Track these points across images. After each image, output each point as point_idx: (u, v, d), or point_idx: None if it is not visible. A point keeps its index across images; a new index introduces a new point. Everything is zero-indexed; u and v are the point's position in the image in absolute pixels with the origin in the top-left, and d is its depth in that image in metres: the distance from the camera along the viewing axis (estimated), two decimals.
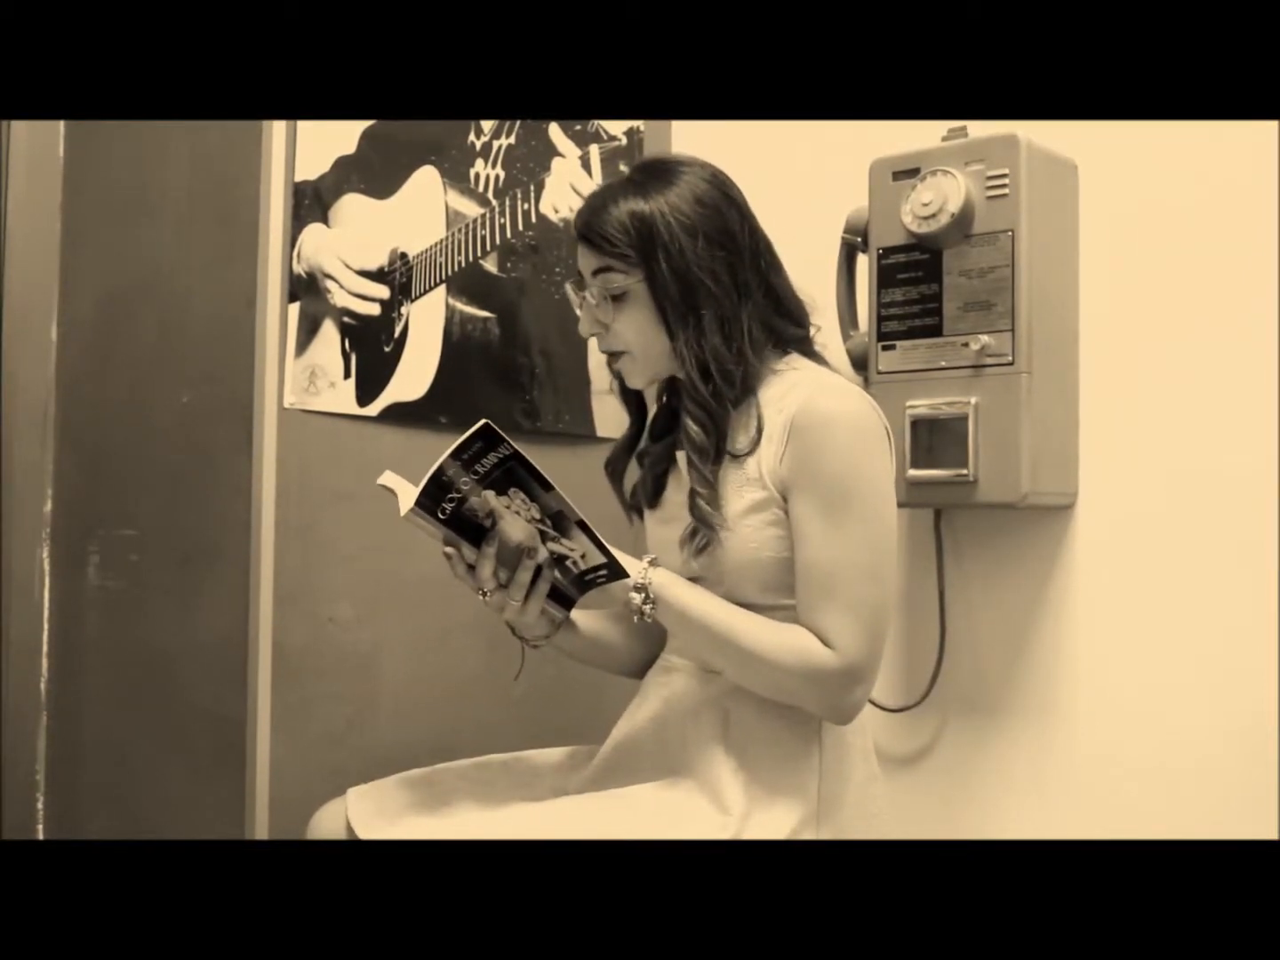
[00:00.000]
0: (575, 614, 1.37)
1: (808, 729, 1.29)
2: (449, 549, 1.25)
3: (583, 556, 1.24)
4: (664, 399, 1.46)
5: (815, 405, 1.25)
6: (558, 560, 1.26)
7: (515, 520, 1.22)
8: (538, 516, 1.22)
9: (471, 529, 1.24)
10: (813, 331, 1.39)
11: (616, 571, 1.25)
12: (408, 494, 1.21)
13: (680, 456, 1.37)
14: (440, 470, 1.18)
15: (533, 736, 1.53)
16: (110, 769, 1.62)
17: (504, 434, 1.17)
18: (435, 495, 1.19)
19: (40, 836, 1.56)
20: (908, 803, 1.64)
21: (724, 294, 1.29)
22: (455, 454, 1.17)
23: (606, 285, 1.31)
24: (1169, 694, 1.50)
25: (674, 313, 1.29)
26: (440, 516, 1.21)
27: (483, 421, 1.16)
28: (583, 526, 1.21)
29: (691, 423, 1.29)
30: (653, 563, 1.29)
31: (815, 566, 1.25)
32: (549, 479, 1.19)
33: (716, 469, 1.29)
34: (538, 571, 1.26)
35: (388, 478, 1.26)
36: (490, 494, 1.20)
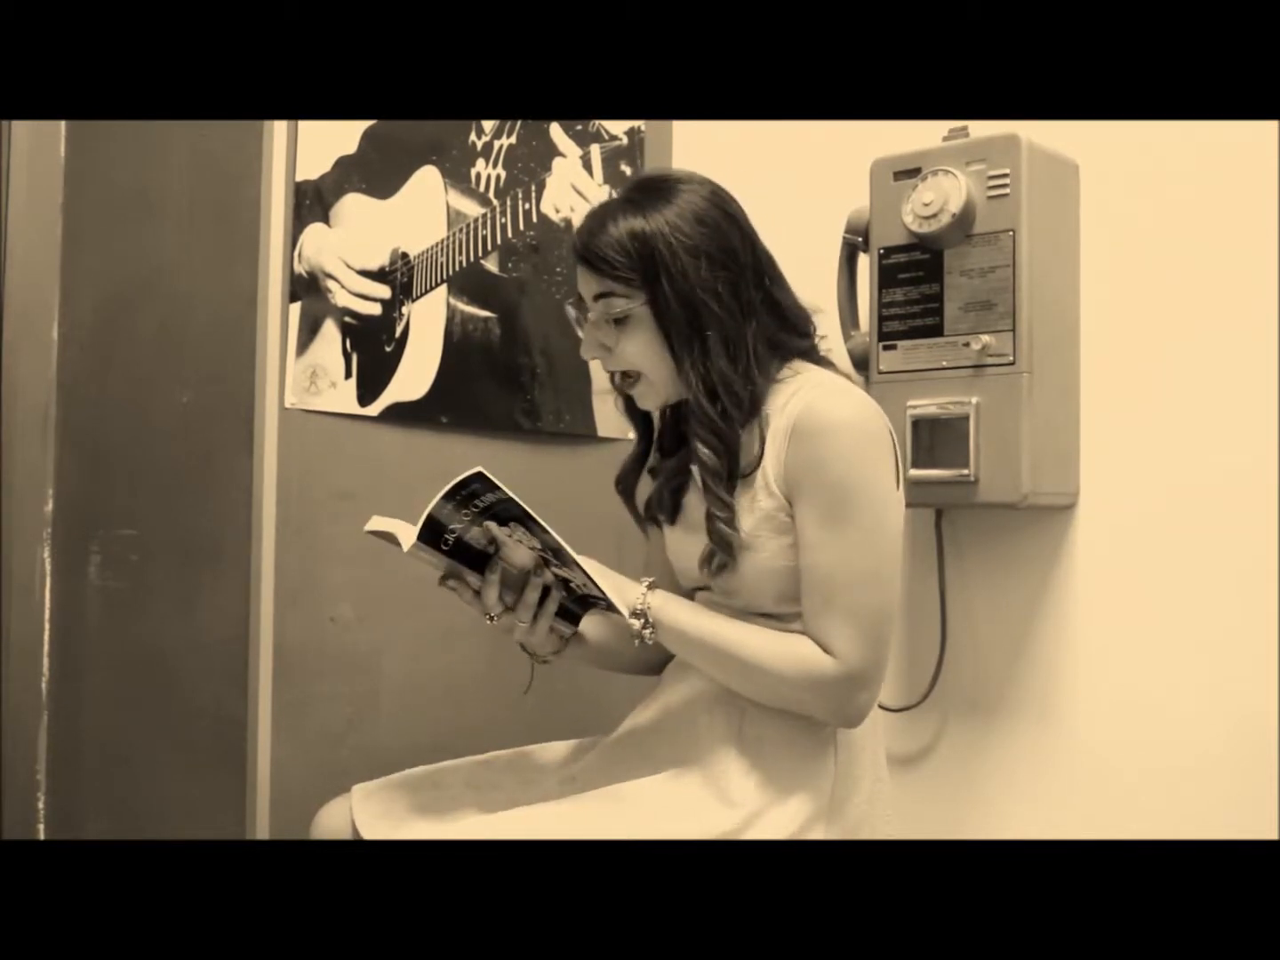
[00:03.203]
0: (583, 621, 1.38)
1: (824, 729, 1.30)
2: (452, 581, 1.26)
3: (584, 585, 1.25)
4: (666, 413, 1.45)
5: (817, 409, 1.25)
6: (562, 582, 1.27)
7: (517, 546, 1.23)
8: (538, 547, 1.23)
9: (474, 556, 1.25)
10: (817, 340, 1.38)
11: (613, 607, 1.25)
12: (407, 531, 1.21)
13: (696, 470, 1.36)
14: (438, 508, 1.18)
15: (533, 736, 1.53)
16: (110, 769, 1.62)
17: (499, 482, 1.17)
18: (436, 530, 1.20)
19: (40, 836, 1.56)
20: (908, 802, 1.64)
21: (728, 315, 1.27)
22: (451, 493, 1.17)
23: (608, 310, 1.30)
24: (1169, 694, 1.50)
25: (678, 336, 1.28)
26: (444, 548, 1.22)
27: (476, 469, 1.16)
28: (579, 569, 1.21)
29: (703, 446, 1.28)
30: (651, 586, 1.30)
31: (816, 572, 1.25)
32: (544, 524, 1.19)
33: (731, 489, 1.28)
34: (545, 592, 1.26)
35: (375, 522, 1.25)
36: (492, 524, 1.21)
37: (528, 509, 1.18)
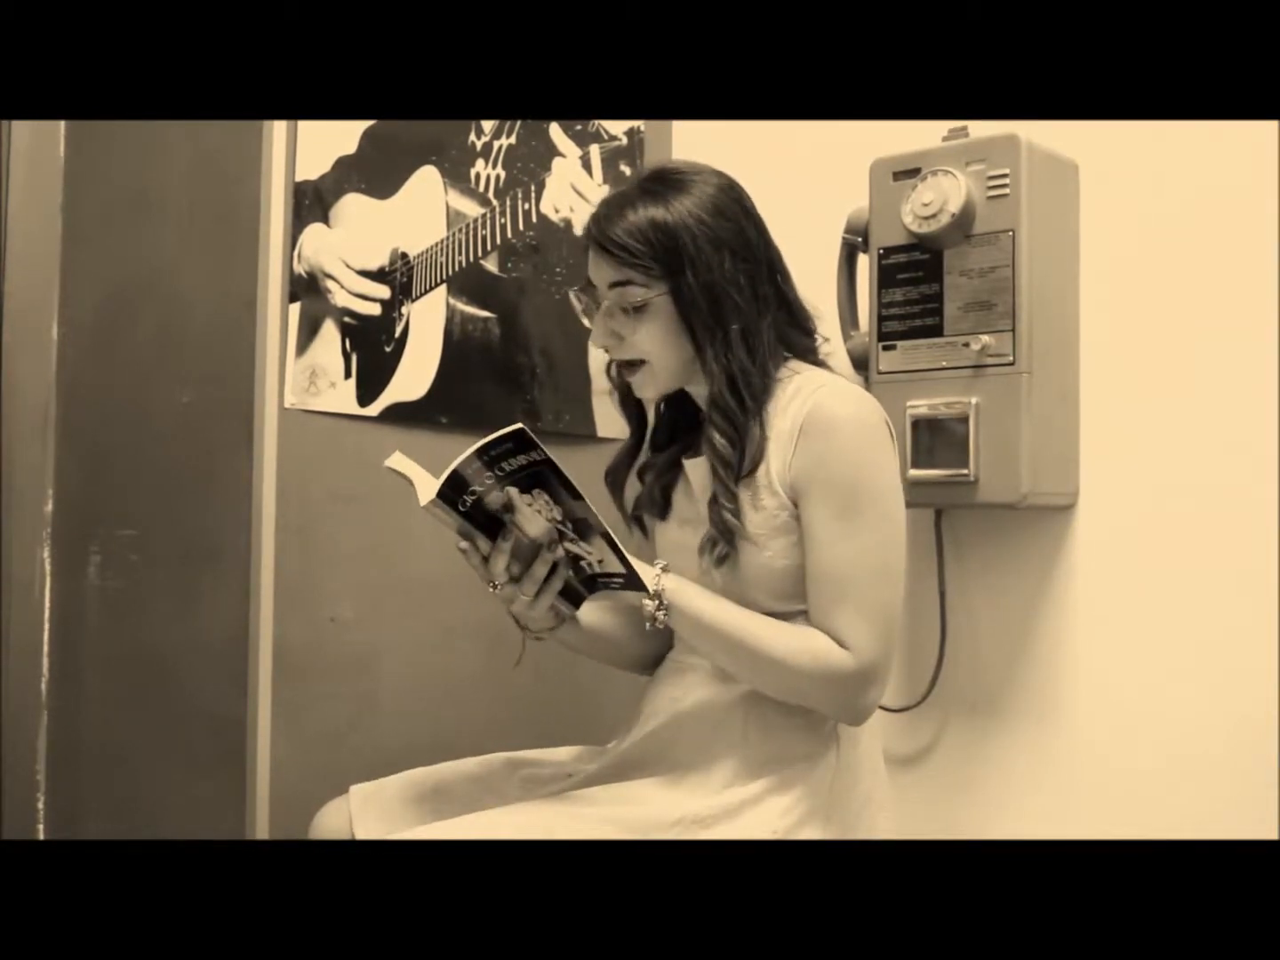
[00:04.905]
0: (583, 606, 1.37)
1: (826, 728, 1.30)
2: (464, 544, 1.25)
3: (599, 561, 1.24)
4: (661, 409, 1.45)
5: (822, 409, 1.25)
6: (573, 560, 1.26)
7: (534, 517, 1.22)
8: (558, 518, 1.21)
9: (489, 521, 1.23)
10: (820, 341, 1.39)
11: (635, 584, 1.24)
12: (427, 484, 1.19)
13: (688, 465, 1.37)
14: (465, 464, 1.16)
15: (533, 736, 1.53)
16: (110, 769, 1.62)
17: (538, 440, 1.16)
18: (458, 488, 1.18)
19: (40, 836, 1.56)
20: (908, 803, 1.64)
21: (748, 307, 1.29)
22: (482, 450, 1.16)
23: (625, 298, 1.30)
24: (1169, 694, 1.50)
25: (701, 327, 1.28)
26: (460, 509, 1.20)
27: (518, 426, 1.15)
28: (606, 538, 1.21)
29: (718, 435, 1.29)
30: (665, 569, 1.29)
31: (828, 568, 1.25)
32: (578, 489, 1.18)
33: (740, 480, 1.28)
34: (553, 568, 1.25)
35: (398, 460, 1.24)
36: (513, 490, 1.20)
37: (564, 471, 1.17)
